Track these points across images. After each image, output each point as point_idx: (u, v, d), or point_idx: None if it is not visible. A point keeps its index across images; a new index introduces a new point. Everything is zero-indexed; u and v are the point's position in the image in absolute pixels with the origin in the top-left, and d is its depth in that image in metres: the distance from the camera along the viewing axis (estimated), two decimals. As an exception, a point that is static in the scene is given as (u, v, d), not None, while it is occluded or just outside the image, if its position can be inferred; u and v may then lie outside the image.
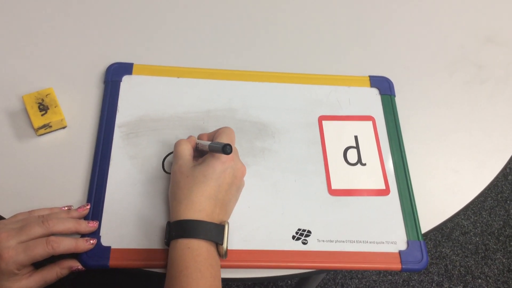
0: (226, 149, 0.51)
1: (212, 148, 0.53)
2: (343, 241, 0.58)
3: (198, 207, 0.51)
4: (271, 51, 0.74)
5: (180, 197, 0.52)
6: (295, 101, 0.68)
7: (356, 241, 0.58)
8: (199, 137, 0.60)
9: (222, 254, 0.51)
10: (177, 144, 0.57)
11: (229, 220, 0.56)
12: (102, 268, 0.53)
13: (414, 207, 0.61)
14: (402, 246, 0.58)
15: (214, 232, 0.50)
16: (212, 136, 0.58)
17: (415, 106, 0.71)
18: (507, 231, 1.51)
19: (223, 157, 0.53)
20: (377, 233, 0.59)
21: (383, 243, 0.58)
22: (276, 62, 0.73)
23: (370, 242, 0.58)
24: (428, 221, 0.62)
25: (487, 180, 0.66)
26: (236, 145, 0.62)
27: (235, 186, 0.55)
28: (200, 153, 0.58)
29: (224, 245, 0.51)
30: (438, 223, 0.62)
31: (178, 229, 0.50)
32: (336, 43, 0.77)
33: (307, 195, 0.61)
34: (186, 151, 0.56)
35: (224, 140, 0.55)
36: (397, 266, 0.57)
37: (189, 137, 0.59)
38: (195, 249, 0.49)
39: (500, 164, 0.68)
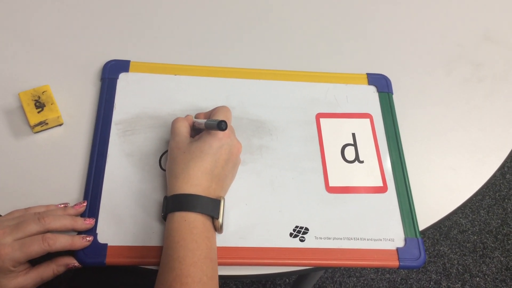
0: (222, 125, 0.51)
1: (208, 125, 0.54)
2: (341, 238, 0.58)
3: (194, 181, 0.52)
4: (268, 49, 0.74)
5: (177, 171, 0.53)
6: (292, 98, 0.68)
7: (354, 238, 0.58)
8: (196, 116, 0.61)
9: (218, 228, 0.52)
10: (174, 122, 0.58)
11: (227, 217, 0.56)
12: (98, 265, 0.53)
13: (411, 205, 0.61)
14: (400, 243, 0.58)
15: (210, 206, 0.51)
16: (209, 115, 0.59)
17: (412, 104, 0.71)
18: (505, 229, 1.51)
19: (220, 133, 0.54)
20: (374, 230, 0.59)
21: (381, 240, 0.58)
22: (274, 60, 0.73)
23: (367, 240, 0.58)
24: (425, 219, 0.61)
25: (484, 178, 0.66)
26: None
27: (231, 162, 0.56)
28: (197, 132, 0.59)
29: (220, 219, 0.52)
30: (435, 220, 0.62)
31: (175, 202, 0.51)
32: (333, 40, 0.77)
33: (304, 193, 0.61)
34: (183, 128, 0.57)
35: (220, 118, 0.56)
36: (394, 263, 0.57)
37: (186, 115, 0.60)
38: (191, 222, 0.50)
39: (498, 162, 0.68)
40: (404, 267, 0.57)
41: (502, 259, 1.46)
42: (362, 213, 0.60)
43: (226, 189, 0.57)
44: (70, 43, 0.70)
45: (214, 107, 0.59)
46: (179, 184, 0.52)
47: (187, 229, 0.49)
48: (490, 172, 0.67)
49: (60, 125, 0.62)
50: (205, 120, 0.55)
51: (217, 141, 0.54)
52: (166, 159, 0.60)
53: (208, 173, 0.53)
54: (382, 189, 0.62)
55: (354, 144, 0.65)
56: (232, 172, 0.57)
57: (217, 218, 0.52)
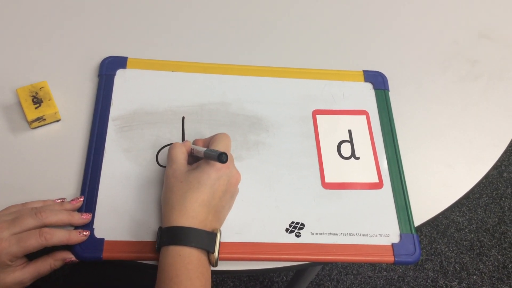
0: (222, 157, 0.50)
1: (207, 155, 0.52)
2: (336, 234, 0.58)
3: (191, 213, 0.50)
4: (265, 46, 0.75)
5: (173, 202, 0.51)
6: (289, 95, 0.68)
7: (349, 234, 0.58)
8: (195, 142, 0.59)
9: (213, 263, 0.51)
10: (171, 148, 0.56)
11: None
12: (95, 260, 0.53)
13: (407, 201, 0.61)
14: (395, 239, 0.59)
15: (206, 240, 0.50)
16: (208, 142, 0.57)
17: (409, 101, 0.71)
18: (502, 228, 1.51)
19: (219, 164, 0.52)
20: (370, 226, 0.59)
21: (376, 236, 0.59)
22: (271, 57, 0.73)
23: (363, 235, 0.58)
24: (421, 215, 0.62)
25: (480, 175, 0.67)
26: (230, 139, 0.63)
27: (229, 193, 0.54)
28: (194, 159, 0.58)
29: (215, 254, 0.50)
30: (431, 216, 0.62)
31: (169, 235, 0.49)
32: (330, 38, 0.77)
33: (300, 189, 0.61)
34: (181, 155, 0.55)
35: (220, 147, 0.54)
36: (389, 258, 0.57)
37: (185, 141, 0.58)
38: (186, 257, 0.48)
39: (493, 159, 0.68)
40: (399, 262, 0.57)
41: (499, 257, 1.46)
42: (358, 209, 0.60)
43: (223, 220, 0.55)
44: (67, 39, 0.70)
45: (213, 134, 0.58)
46: (174, 216, 0.50)
47: (181, 265, 0.48)
48: (486, 168, 0.67)
49: (58, 121, 0.63)
50: (204, 149, 0.53)
51: (215, 172, 0.52)
52: (164, 155, 0.61)
53: (205, 205, 0.51)
54: (378, 185, 0.62)
55: (350, 141, 0.66)
56: (229, 203, 0.56)
57: (213, 253, 0.50)
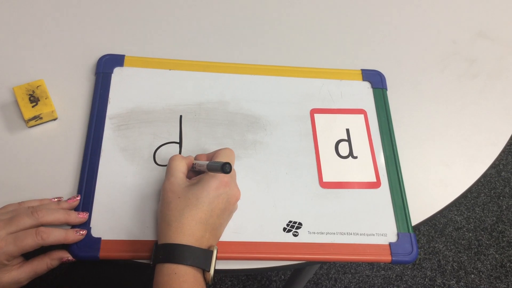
0: (226, 167, 0.49)
1: (210, 167, 0.51)
2: (334, 233, 0.58)
3: (187, 231, 0.49)
4: (263, 45, 0.74)
5: (170, 219, 0.50)
6: (287, 94, 0.68)
7: (347, 233, 0.58)
8: (197, 157, 0.57)
9: (208, 281, 0.50)
10: (171, 160, 0.55)
11: None
12: (92, 259, 0.53)
13: (404, 200, 0.61)
14: (393, 238, 0.59)
15: (201, 258, 0.49)
16: (211, 156, 0.56)
17: (407, 100, 0.71)
18: (500, 227, 1.51)
19: (218, 181, 0.52)
20: (367, 225, 0.59)
21: (374, 235, 0.58)
22: (269, 55, 0.73)
23: (360, 234, 0.58)
24: (418, 214, 0.62)
25: (477, 174, 0.67)
26: (228, 138, 0.63)
27: (227, 211, 0.53)
28: (195, 174, 0.57)
29: (211, 272, 0.49)
30: (428, 215, 0.62)
31: (165, 253, 0.48)
32: (328, 36, 0.77)
33: (298, 188, 0.61)
34: (180, 168, 0.54)
35: (223, 160, 0.53)
36: (387, 258, 0.57)
37: (188, 156, 0.57)
38: (182, 275, 0.47)
39: (491, 158, 0.68)
40: (397, 261, 0.57)
41: (497, 256, 1.46)
42: (356, 208, 0.60)
43: (219, 237, 0.54)
44: (64, 37, 0.70)
45: (217, 149, 0.57)
46: (171, 233, 0.49)
47: (177, 283, 0.47)
48: (483, 167, 0.67)
49: (55, 119, 0.62)
50: (207, 162, 0.52)
51: (215, 190, 0.51)
52: (161, 154, 0.60)
53: (202, 223, 0.50)
54: (376, 185, 0.62)
55: (348, 140, 0.65)
56: (227, 220, 0.55)
57: (208, 271, 0.49)
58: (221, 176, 0.52)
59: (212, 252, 0.50)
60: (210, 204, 0.51)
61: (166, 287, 0.47)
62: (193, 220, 0.49)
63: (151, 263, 0.50)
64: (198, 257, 0.48)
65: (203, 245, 0.50)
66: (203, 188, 0.51)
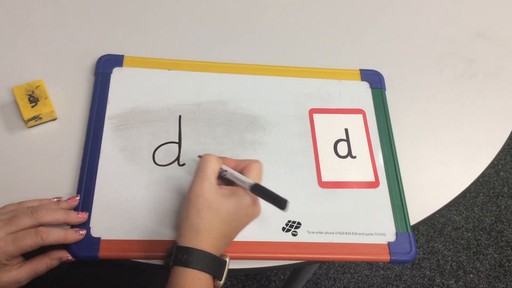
0: (283, 205, 0.49)
1: (262, 193, 0.51)
2: (333, 233, 0.58)
3: (213, 242, 0.50)
4: (262, 45, 0.75)
5: (198, 228, 0.50)
6: (286, 94, 0.68)
7: (346, 232, 0.58)
8: (225, 162, 0.55)
9: None
10: (207, 160, 0.53)
11: None
12: (91, 259, 0.53)
13: (403, 200, 0.61)
14: (391, 237, 0.59)
15: (218, 268, 0.50)
16: (241, 166, 0.55)
17: (405, 100, 0.72)
18: (499, 226, 1.52)
19: (251, 200, 0.52)
20: (366, 225, 0.59)
21: (372, 234, 0.59)
22: (268, 56, 0.73)
23: (359, 234, 0.58)
24: (417, 214, 0.62)
25: (475, 174, 0.67)
26: (227, 138, 0.63)
27: (246, 225, 0.54)
28: (222, 179, 0.55)
29: (221, 281, 0.50)
30: (426, 215, 0.62)
31: (191, 257, 0.48)
32: (327, 36, 0.77)
33: (297, 187, 0.61)
34: (215, 171, 0.53)
35: (253, 177, 0.53)
36: (385, 257, 0.57)
37: (218, 157, 0.55)
38: (204, 282, 0.48)
39: (489, 158, 0.68)
40: (395, 261, 0.57)
41: (496, 255, 1.47)
42: (354, 208, 0.60)
43: (228, 245, 0.55)
44: (64, 38, 0.70)
45: (245, 159, 0.56)
46: (197, 241, 0.49)
47: None
48: (482, 167, 0.67)
49: (54, 119, 0.63)
50: (250, 181, 0.52)
51: (245, 209, 0.52)
52: (160, 153, 0.60)
53: (226, 237, 0.51)
54: (374, 184, 0.62)
55: (347, 140, 0.66)
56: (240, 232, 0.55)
57: (220, 280, 0.50)
58: (254, 195, 0.53)
59: (225, 262, 0.51)
60: (237, 221, 0.52)
61: None
62: (220, 234, 0.50)
63: (171, 263, 0.49)
64: (216, 266, 0.50)
65: (218, 253, 0.51)
66: (236, 206, 0.51)
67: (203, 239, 0.49)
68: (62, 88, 0.65)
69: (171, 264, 0.49)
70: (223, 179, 0.55)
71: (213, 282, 0.50)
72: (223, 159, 0.56)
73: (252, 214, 0.53)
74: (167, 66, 0.68)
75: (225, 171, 0.54)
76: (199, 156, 0.55)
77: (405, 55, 0.77)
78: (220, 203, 0.51)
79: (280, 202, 0.50)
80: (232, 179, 0.54)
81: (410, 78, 0.74)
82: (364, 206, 0.61)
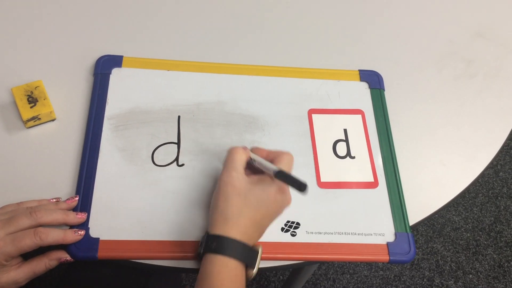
0: (304, 188, 0.50)
1: (284, 178, 0.51)
2: (332, 233, 0.58)
3: (243, 229, 0.50)
4: (261, 45, 0.75)
5: (228, 214, 0.51)
6: (285, 94, 0.68)
7: (345, 233, 0.58)
8: (254, 151, 0.57)
9: (250, 278, 0.51)
10: (233, 152, 0.55)
11: None
12: (90, 260, 0.53)
13: (402, 200, 0.61)
14: (390, 238, 0.59)
15: (249, 256, 0.50)
16: (272, 156, 0.56)
17: (404, 100, 0.72)
18: (498, 227, 1.52)
19: (279, 187, 0.53)
20: (365, 225, 0.59)
21: (371, 235, 0.59)
22: (266, 56, 0.73)
23: (358, 234, 0.58)
24: (416, 214, 0.62)
25: (474, 174, 0.67)
26: (226, 139, 0.63)
27: (277, 214, 0.55)
28: (250, 168, 0.57)
29: (255, 270, 0.51)
30: (426, 215, 0.62)
31: (220, 245, 0.49)
32: (326, 37, 0.77)
33: (296, 188, 0.61)
34: (242, 162, 0.54)
35: (284, 166, 0.53)
36: (384, 257, 0.57)
37: (244, 147, 0.57)
38: (233, 269, 0.49)
39: (488, 158, 0.68)
40: (394, 261, 0.57)
41: (495, 256, 1.47)
42: (353, 208, 0.60)
43: (262, 235, 0.55)
44: (63, 38, 0.70)
45: (276, 150, 0.57)
46: (227, 228, 0.50)
47: (227, 275, 0.48)
48: (481, 167, 0.67)
49: (53, 120, 0.63)
50: (275, 167, 0.52)
51: (274, 195, 0.52)
52: (159, 154, 0.60)
53: (257, 224, 0.52)
54: (373, 185, 0.62)
55: (346, 140, 0.66)
56: (273, 221, 0.55)
57: (253, 269, 0.51)
58: (281, 183, 0.53)
59: (258, 251, 0.52)
60: (267, 207, 0.52)
61: (217, 278, 0.48)
62: (250, 221, 0.51)
63: (202, 251, 0.50)
64: (248, 254, 0.50)
65: (251, 242, 0.51)
66: (264, 191, 0.52)
67: (233, 226, 0.50)
68: (61, 88, 0.65)
69: (201, 251, 0.50)
70: (253, 170, 0.56)
71: (246, 271, 0.51)
72: (256, 149, 0.57)
73: (282, 202, 0.54)
74: (166, 66, 0.68)
75: (254, 160, 0.55)
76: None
77: (404, 55, 0.77)
78: (247, 190, 0.52)
79: (300, 186, 0.50)
80: (259, 167, 0.55)
81: (409, 79, 0.74)
82: (363, 207, 0.61)
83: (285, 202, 0.55)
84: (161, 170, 0.60)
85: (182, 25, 0.75)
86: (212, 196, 0.54)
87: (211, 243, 0.50)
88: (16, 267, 0.50)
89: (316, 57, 0.74)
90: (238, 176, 0.53)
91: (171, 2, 0.77)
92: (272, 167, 0.53)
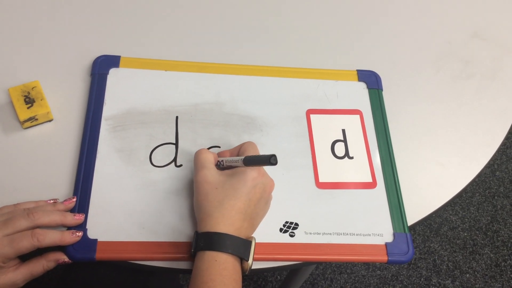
0: (273, 160, 0.49)
1: (254, 160, 0.51)
2: (330, 234, 0.58)
3: (228, 220, 0.50)
4: (259, 46, 0.74)
5: (210, 209, 0.51)
6: (283, 95, 0.68)
7: (343, 233, 0.58)
8: (220, 155, 0.58)
9: (246, 270, 0.51)
10: (200, 153, 0.55)
11: None
12: (88, 261, 0.53)
13: (400, 200, 0.61)
14: (389, 238, 0.59)
15: (241, 248, 0.50)
16: (236, 151, 0.57)
17: (402, 100, 0.72)
18: (495, 226, 1.52)
19: (255, 172, 0.53)
20: (363, 225, 0.59)
21: (370, 235, 0.59)
22: (264, 56, 0.73)
23: (356, 235, 0.58)
24: (414, 214, 0.62)
25: (472, 174, 0.67)
26: (224, 139, 0.63)
27: (263, 200, 0.55)
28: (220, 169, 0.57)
29: (250, 262, 0.51)
30: (424, 215, 0.62)
31: (207, 241, 0.49)
32: (324, 37, 0.77)
33: (294, 188, 0.61)
34: (210, 159, 0.55)
35: (249, 154, 0.54)
36: (383, 258, 0.57)
37: (211, 151, 0.57)
38: (222, 263, 0.48)
39: (486, 159, 0.69)
40: (393, 261, 0.57)
41: (492, 255, 1.47)
42: (352, 209, 0.60)
43: (256, 227, 0.55)
44: (60, 38, 0.70)
45: (239, 144, 0.58)
46: (212, 223, 0.50)
47: (217, 270, 0.48)
48: (478, 168, 0.67)
49: (50, 121, 0.62)
50: (242, 157, 0.53)
51: (251, 180, 0.52)
52: (157, 155, 0.60)
53: (241, 213, 0.51)
54: (372, 185, 0.62)
55: (344, 140, 0.66)
56: (263, 210, 0.56)
57: (247, 260, 0.50)
58: (256, 167, 0.53)
59: (250, 242, 0.51)
60: (248, 194, 0.52)
61: (206, 274, 0.48)
62: (233, 210, 0.51)
63: (192, 250, 0.51)
64: (238, 246, 0.50)
65: (242, 234, 0.51)
66: (240, 179, 0.52)
67: (218, 220, 0.50)
68: (58, 89, 0.65)
69: (193, 251, 0.50)
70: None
71: (242, 264, 0.51)
72: (220, 153, 0.58)
73: (263, 185, 0.54)
74: (164, 67, 0.68)
75: (221, 161, 0.56)
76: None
77: (402, 55, 0.77)
78: (223, 182, 0.53)
79: (269, 159, 0.49)
80: (229, 164, 0.55)
81: (407, 79, 0.74)
82: (362, 207, 0.61)
83: (267, 185, 0.55)
84: (159, 171, 0.60)
85: (180, 25, 0.74)
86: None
87: (200, 241, 0.50)
88: (14, 269, 0.50)
89: (314, 57, 0.74)
90: (210, 172, 0.53)
91: (169, 2, 0.77)
92: (239, 158, 0.53)
